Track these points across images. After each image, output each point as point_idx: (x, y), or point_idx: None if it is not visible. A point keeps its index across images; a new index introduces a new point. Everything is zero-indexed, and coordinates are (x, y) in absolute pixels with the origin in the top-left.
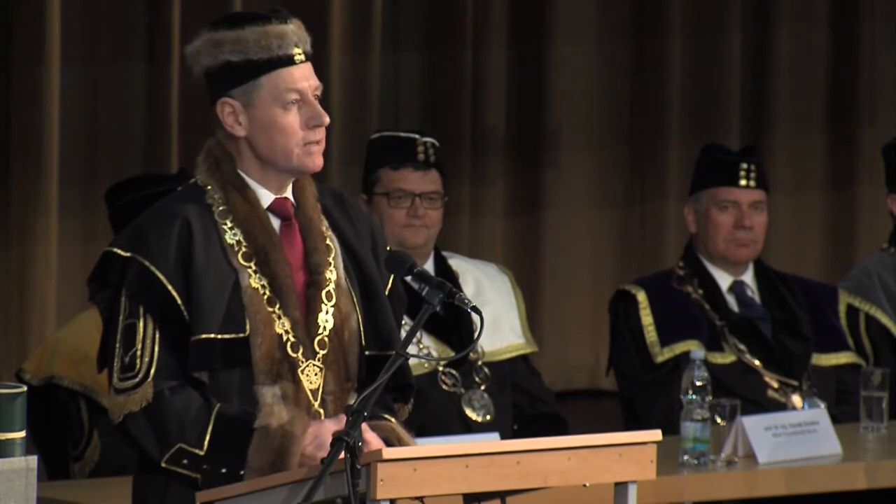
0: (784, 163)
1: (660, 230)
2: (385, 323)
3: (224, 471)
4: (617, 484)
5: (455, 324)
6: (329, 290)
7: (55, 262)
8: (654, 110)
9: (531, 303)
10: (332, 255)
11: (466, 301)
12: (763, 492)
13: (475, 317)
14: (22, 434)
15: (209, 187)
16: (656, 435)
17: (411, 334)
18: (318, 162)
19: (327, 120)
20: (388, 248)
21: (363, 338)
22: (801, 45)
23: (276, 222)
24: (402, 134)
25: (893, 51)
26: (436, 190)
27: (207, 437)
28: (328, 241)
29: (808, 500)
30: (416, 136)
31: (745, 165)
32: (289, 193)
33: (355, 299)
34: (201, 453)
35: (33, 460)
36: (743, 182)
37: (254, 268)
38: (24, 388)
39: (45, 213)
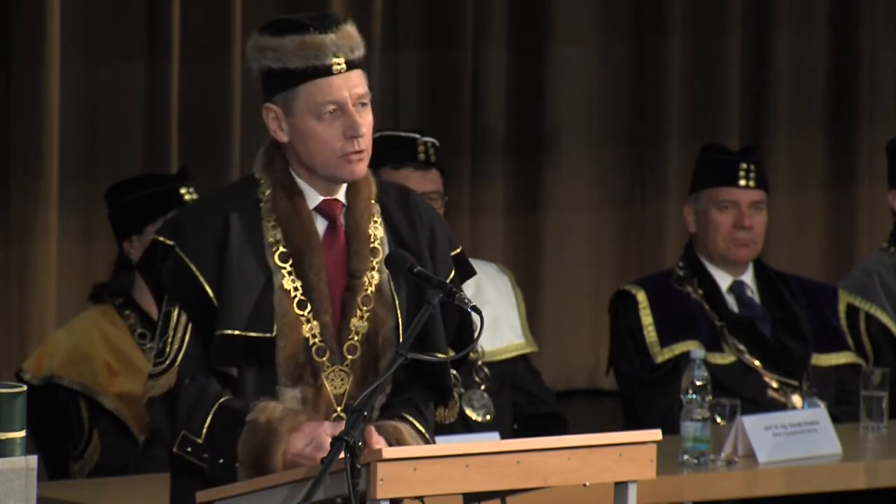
0: (784, 163)
1: (660, 230)
2: (431, 324)
3: (221, 461)
4: (617, 484)
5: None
6: (367, 295)
7: (55, 262)
8: (654, 110)
9: (531, 303)
10: (379, 259)
11: (466, 301)
12: (763, 491)
13: (475, 317)
14: (22, 434)
15: (262, 182)
16: (656, 434)
17: (411, 334)
18: (356, 170)
19: (363, 131)
20: (458, 250)
21: (401, 340)
22: (801, 45)
23: (322, 224)
24: (403, 134)
25: (893, 51)
26: (436, 190)
27: (205, 427)
28: (376, 244)
29: (808, 499)
30: (417, 136)
31: (744, 165)
32: (340, 195)
33: (398, 304)
34: (200, 441)
35: (33, 460)
36: (742, 182)
37: (289, 269)
38: (24, 388)
39: (44, 212)
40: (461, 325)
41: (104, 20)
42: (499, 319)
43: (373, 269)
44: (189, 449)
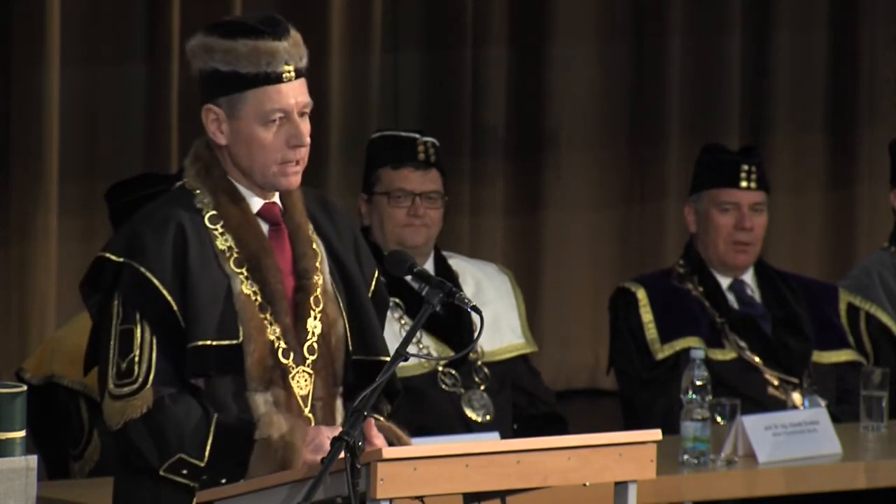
0: (784, 163)
1: (660, 230)
2: (369, 327)
3: (224, 481)
4: (617, 483)
5: (455, 324)
6: (317, 296)
7: (55, 261)
8: (654, 110)
9: (531, 303)
10: (319, 260)
11: (466, 301)
12: (763, 491)
13: (475, 316)
14: (22, 434)
15: (198, 191)
16: (656, 434)
17: (411, 334)
18: (293, 181)
19: (307, 141)
20: (366, 250)
21: (349, 342)
22: (801, 45)
23: (264, 227)
24: (403, 133)
25: (893, 51)
26: (436, 189)
27: (208, 449)
28: (315, 246)
29: (808, 499)
30: (417, 136)
31: (745, 167)
32: (276, 198)
33: (341, 304)
34: (202, 464)
35: (33, 460)
36: (744, 183)
37: (245, 274)
38: (24, 388)
39: (44, 211)
40: (460, 325)
41: (104, 20)
42: (498, 319)
43: (317, 270)
44: (185, 472)
